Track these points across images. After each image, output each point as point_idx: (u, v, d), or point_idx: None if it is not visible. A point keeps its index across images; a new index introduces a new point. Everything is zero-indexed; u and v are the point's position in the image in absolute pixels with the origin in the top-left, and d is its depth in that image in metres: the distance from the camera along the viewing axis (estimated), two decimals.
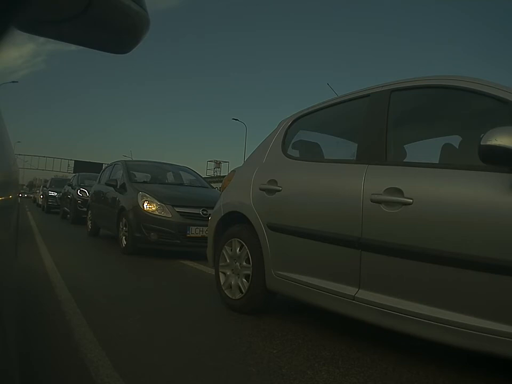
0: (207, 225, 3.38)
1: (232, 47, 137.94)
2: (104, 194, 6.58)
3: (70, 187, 10.98)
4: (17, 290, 1.15)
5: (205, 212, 4.98)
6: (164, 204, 5.10)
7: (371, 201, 2.01)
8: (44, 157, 48.69)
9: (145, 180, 6.23)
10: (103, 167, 8.81)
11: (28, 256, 4.42)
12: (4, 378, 0.59)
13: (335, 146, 3.02)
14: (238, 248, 2.75)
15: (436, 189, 1.85)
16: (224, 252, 2.86)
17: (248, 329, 2.37)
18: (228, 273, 2.83)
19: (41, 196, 18.04)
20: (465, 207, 1.72)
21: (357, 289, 2.04)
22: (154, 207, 5.10)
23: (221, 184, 3.98)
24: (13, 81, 29.30)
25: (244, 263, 2.69)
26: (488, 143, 1.58)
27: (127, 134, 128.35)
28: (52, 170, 46.10)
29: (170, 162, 7.35)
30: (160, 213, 5.05)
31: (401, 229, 1.90)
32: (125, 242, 5.26)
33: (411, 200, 1.86)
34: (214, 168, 46.16)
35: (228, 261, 2.83)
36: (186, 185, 6.45)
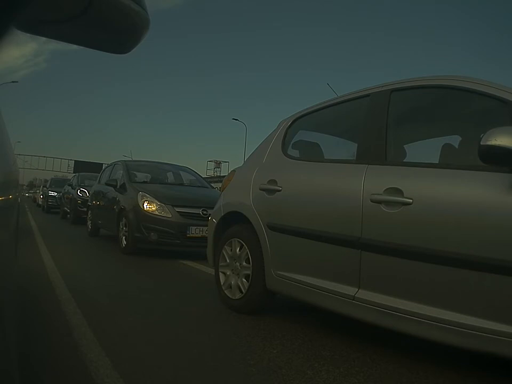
0: (207, 225, 3.38)
1: (232, 47, 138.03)
2: (104, 194, 6.58)
3: (70, 187, 10.99)
4: (17, 290, 1.15)
5: (205, 212, 4.98)
6: (164, 203, 5.10)
7: (371, 201, 2.01)
8: (44, 157, 48.74)
9: (145, 180, 6.22)
10: (103, 167, 8.81)
11: (28, 256, 4.42)
12: (4, 378, 0.59)
13: (335, 146, 3.02)
14: (238, 248, 2.75)
15: (435, 189, 1.85)
16: (224, 252, 2.86)
17: (248, 329, 2.37)
18: (228, 273, 2.82)
19: (41, 196, 18.03)
20: (465, 207, 1.72)
21: (357, 289, 2.04)
22: (154, 207, 5.10)
23: (221, 184, 3.98)
24: (13, 81, 29.34)
25: (244, 263, 2.69)
26: (488, 143, 1.58)
27: (127, 134, 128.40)
28: (52, 170, 46.13)
29: (170, 162, 7.37)
30: (160, 213, 5.05)
31: (401, 229, 1.90)
32: (125, 242, 5.26)
33: (411, 200, 1.86)
34: (214, 168, 46.16)
35: (227, 261, 2.83)
36: (186, 185, 6.45)
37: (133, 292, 3.22)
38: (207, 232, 3.34)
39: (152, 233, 4.97)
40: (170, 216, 5.02)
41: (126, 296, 3.06)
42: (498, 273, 1.58)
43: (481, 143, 1.60)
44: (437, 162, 2.08)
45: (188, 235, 4.96)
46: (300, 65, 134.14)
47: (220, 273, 2.87)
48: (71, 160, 48.92)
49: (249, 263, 2.63)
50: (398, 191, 1.92)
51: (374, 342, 2.21)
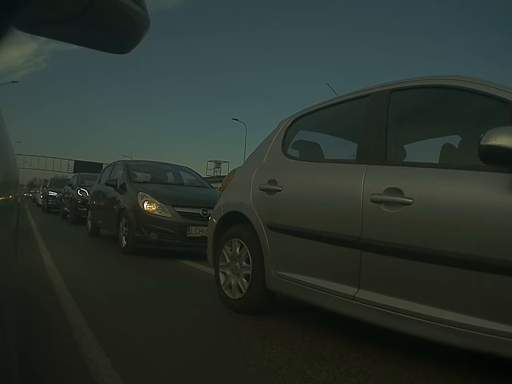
0: (207, 225, 3.38)
1: (232, 47, 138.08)
2: (104, 194, 6.58)
3: (70, 187, 11.00)
4: (17, 290, 1.15)
5: (205, 212, 4.98)
6: (164, 203, 5.10)
7: (371, 201, 2.01)
8: (44, 157, 48.75)
9: (145, 180, 6.22)
10: (103, 167, 8.81)
11: (28, 256, 4.42)
12: (4, 378, 0.59)
13: (335, 146, 3.02)
14: (238, 248, 2.75)
15: (435, 189, 1.85)
16: (224, 252, 2.86)
17: (248, 329, 2.37)
18: (227, 273, 2.83)
19: (41, 196, 18.03)
20: (465, 207, 1.72)
21: (357, 289, 2.04)
22: (154, 207, 5.10)
23: (221, 184, 3.98)
24: (13, 81, 29.38)
25: (244, 263, 2.69)
26: (488, 143, 1.58)
27: (127, 134, 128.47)
28: (52, 170, 46.13)
29: (170, 162, 7.37)
30: (160, 213, 5.05)
31: (401, 229, 1.90)
32: (125, 242, 5.26)
33: (411, 200, 1.86)
34: (214, 168, 46.16)
35: (227, 261, 2.83)
36: (186, 185, 6.45)
37: (133, 292, 3.22)
38: (207, 232, 3.34)
39: (152, 233, 4.97)
40: (170, 216, 5.02)
41: (126, 296, 3.06)
42: (498, 273, 1.58)
43: (481, 143, 1.60)
44: (437, 162, 2.07)
45: (188, 235, 4.96)
46: (300, 65, 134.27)
47: (220, 273, 2.87)
48: (71, 160, 48.99)
49: (249, 263, 2.63)
50: (398, 191, 1.92)
51: (374, 342, 2.21)
